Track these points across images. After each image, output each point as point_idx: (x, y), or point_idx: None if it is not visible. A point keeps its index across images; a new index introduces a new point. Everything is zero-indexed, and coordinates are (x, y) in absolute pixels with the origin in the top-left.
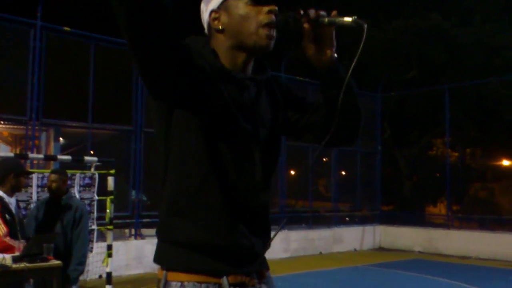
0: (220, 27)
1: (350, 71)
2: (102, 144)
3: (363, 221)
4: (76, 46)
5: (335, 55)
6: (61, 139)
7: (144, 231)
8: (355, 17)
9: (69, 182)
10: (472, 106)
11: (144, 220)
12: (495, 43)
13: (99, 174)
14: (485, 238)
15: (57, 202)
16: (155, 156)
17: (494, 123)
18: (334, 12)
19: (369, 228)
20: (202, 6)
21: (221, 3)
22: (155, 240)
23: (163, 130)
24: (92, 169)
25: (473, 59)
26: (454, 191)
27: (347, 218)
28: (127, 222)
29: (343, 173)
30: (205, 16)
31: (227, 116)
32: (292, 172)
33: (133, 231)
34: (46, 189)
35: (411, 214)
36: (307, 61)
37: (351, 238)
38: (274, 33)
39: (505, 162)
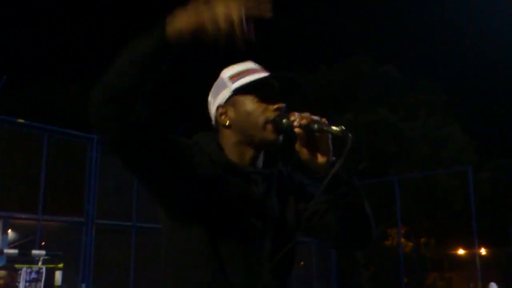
0: (227, 122)
1: (328, 177)
2: (51, 236)
3: None
4: (29, 138)
5: (333, 158)
6: (9, 231)
7: None
8: (342, 127)
9: None
10: (422, 196)
11: None
12: (440, 135)
13: (46, 268)
14: None
15: None
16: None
17: (445, 213)
18: (323, 120)
19: None
20: (210, 98)
21: (228, 99)
22: None
23: (166, 228)
24: (40, 263)
25: (420, 151)
26: (411, 281)
27: None
28: None
29: (300, 263)
30: (212, 109)
31: (233, 211)
32: None
33: None
34: None
35: None
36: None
37: None
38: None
39: (460, 251)
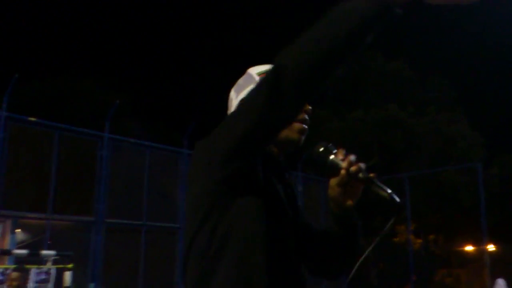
0: None
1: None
2: (60, 235)
3: None
4: (39, 136)
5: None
6: (18, 230)
7: None
8: (393, 192)
9: None
10: (431, 193)
11: None
12: (450, 132)
13: (56, 269)
14: None
15: None
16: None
17: (454, 210)
18: (372, 174)
19: None
20: (233, 93)
21: None
22: None
23: (209, 213)
24: (49, 264)
25: (429, 147)
26: (419, 278)
27: None
28: None
29: None
30: (233, 104)
31: (280, 212)
32: None
33: None
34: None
35: None
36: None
37: None
38: (306, 128)
39: (469, 248)
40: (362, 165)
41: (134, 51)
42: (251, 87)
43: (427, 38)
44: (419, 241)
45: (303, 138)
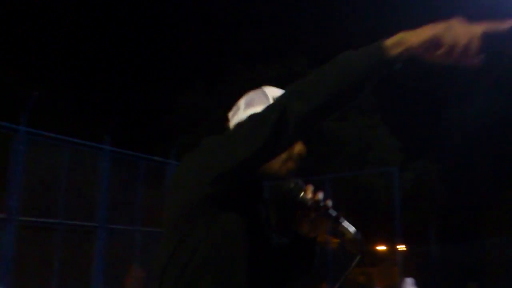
0: None
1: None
2: None
3: None
4: None
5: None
6: None
7: None
8: (358, 232)
9: None
10: (350, 195)
11: None
12: (368, 137)
13: None
14: None
15: None
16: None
17: (370, 211)
18: (339, 216)
19: None
20: (241, 103)
21: None
22: None
23: (192, 227)
24: None
25: (349, 151)
26: (335, 276)
27: None
28: None
29: None
30: (239, 114)
31: (259, 234)
32: None
33: None
34: None
35: None
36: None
37: None
38: (294, 167)
39: (381, 248)
40: (329, 203)
41: (55, 41)
42: (261, 107)
43: (350, 46)
44: (336, 240)
45: (289, 174)
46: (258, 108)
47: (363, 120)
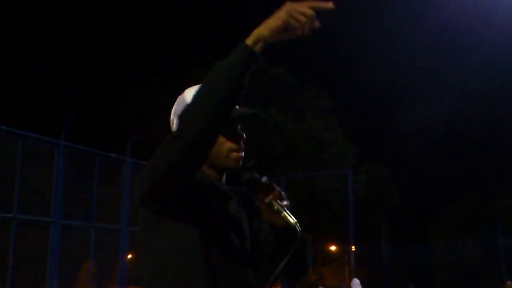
0: None
1: (282, 264)
2: None
3: None
4: None
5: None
6: None
7: None
8: (297, 221)
9: None
10: (304, 196)
11: None
12: (324, 138)
13: None
14: None
15: None
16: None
17: (323, 212)
18: (285, 202)
19: None
20: (172, 117)
21: None
22: None
23: (151, 238)
24: None
25: (305, 152)
26: (287, 276)
27: None
28: None
29: None
30: (173, 123)
31: (219, 227)
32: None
33: None
34: None
35: None
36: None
37: None
38: (242, 155)
39: (332, 248)
40: (277, 192)
41: (9, 31)
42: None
43: (307, 48)
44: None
45: (239, 163)
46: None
47: (319, 122)
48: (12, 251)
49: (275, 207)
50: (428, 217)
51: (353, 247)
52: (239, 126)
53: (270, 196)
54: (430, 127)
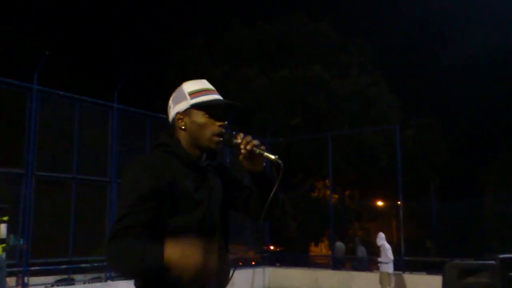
0: (183, 127)
1: (271, 196)
2: None
3: (255, 263)
4: None
5: (263, 164)
6: None
7: (33, 279)
8: (277, 156)
9: None
10: (351, 152)
11: (32, 268)
12: (370, 94)
13: None
14: (366, 277)
15: None
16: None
17: (370, 168)
18: (262, 147)
19: (259, 270)
20: (170, 102)
21: (186, 109)
22: None
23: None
24: None
25: (350, 108)
26: (335, 230)
27: (240, 263)
28: (14, 270)
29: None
30: (171, 112)
31: (194, 207)
32: None
33: (20, 280)
34: None
35: (297, 255)
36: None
37: (241, 280)
38: (221, 140)
39: (379, 203)
40: (256, 141)
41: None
42: (183, 104)
43: (351, 2)
44: (336, 196)
45: (219, 146)
46: (181, 105)
47: (364, 77)
48: (73, 209)
49: (257, 151)
50: (478, 170)
51: (399, 202)
52: (221, 112)
53: (249, 146)
54: (477, 72)
